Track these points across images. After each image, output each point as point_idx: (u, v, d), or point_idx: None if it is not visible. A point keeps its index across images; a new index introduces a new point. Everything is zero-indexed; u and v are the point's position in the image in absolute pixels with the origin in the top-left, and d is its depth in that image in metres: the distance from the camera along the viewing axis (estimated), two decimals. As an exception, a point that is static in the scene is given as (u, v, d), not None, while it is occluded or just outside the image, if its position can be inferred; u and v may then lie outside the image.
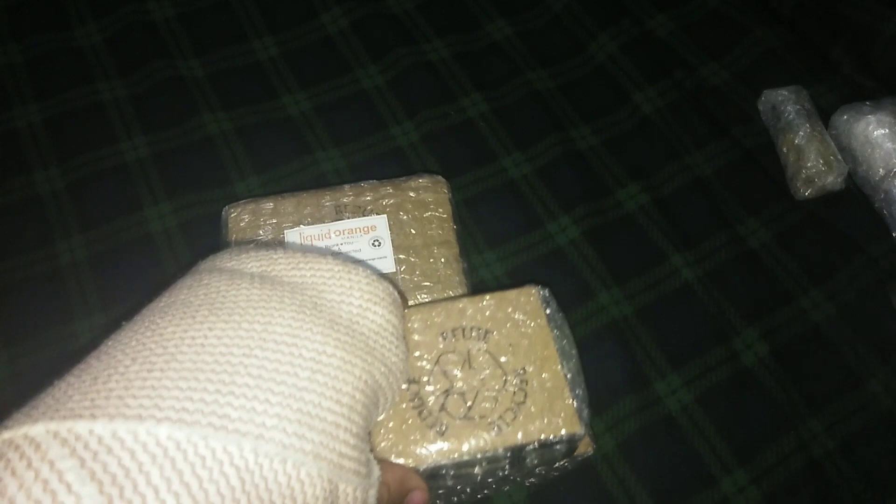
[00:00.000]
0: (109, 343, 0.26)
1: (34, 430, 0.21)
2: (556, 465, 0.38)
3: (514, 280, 0.51)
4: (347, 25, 0.64)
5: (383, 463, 0.30)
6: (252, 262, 0.30)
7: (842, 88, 0.60)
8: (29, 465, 0.20)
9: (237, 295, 0.27)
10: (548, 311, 0.36)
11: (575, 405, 0.33)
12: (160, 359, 0.24)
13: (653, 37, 0.64)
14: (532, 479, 0.40)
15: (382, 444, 0.32)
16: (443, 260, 0.45)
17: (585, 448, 0.38)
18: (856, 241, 0.53)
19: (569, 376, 0.34)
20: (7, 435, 0.21)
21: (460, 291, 0.45)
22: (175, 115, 0.58)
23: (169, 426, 0.21)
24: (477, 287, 0.49)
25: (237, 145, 0.57)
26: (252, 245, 0.32)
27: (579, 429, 0.32)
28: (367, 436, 0.28)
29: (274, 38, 0.64)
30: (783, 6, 0.65)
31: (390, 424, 0.32)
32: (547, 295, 0.37)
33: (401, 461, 0.31)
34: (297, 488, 0.23)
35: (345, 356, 0.27)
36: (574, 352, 0.35)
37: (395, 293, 0.32)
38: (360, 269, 0.30)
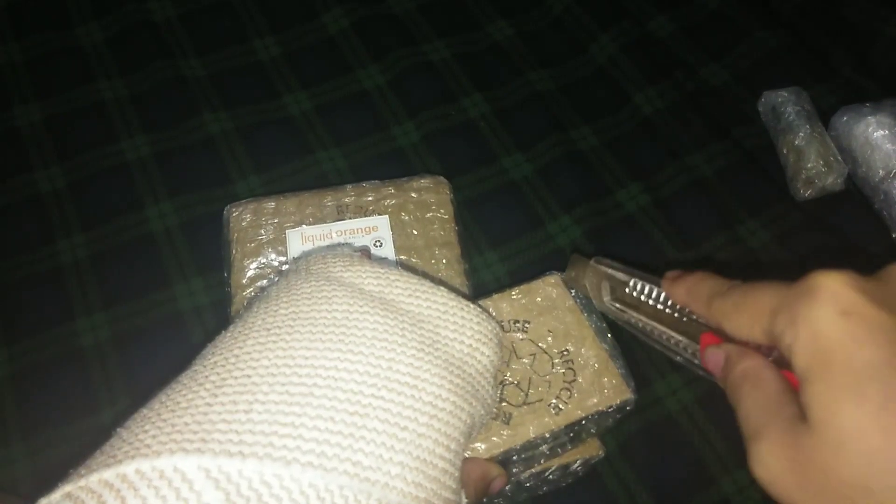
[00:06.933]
0: (235, 352, 0.26)
1: (185, 463, 0.21)
2: (570, 469, 0.39)
3: (515, 280, 0.51)
4: (348, 25, 0.64)
5: (466, 463, 0.31)
6: (369, 278, 0.30)
7: (842, 90, 0.60)
8: None
9: (362, 322, 0.28)
10: (573, 293, 0.38)
11: (622, 373, 0.35)
12: (297, 390, 0.25)
13: (653, 38, 0.64)
14: (545, 488, 0.41)
15: None
16: (444, 261, 0.45)
17: (596, 451, 0.39)
18: (856, 241, 0.53)
19: (607, 349, 0.36)
20: (158, 463, 0.21)
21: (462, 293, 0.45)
22: (176, 114, 0.58)
23: (311, 472, 0.22)
24: (479, 288, 0.49)
25: (238, 145, 0.57)
26: (361, 255, 0.33)
27: (629, 395, 0.35)
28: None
29: (275, 37, 0.64)
30: (783, 8, 0.65)
31: None
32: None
33: (475, 445, 0.33)
34: None
35: (457, 401, 0.28)
36: (605, 325, 0.37)
37: (501, 334, 0.32)
38: (472, 306, 0.31)
